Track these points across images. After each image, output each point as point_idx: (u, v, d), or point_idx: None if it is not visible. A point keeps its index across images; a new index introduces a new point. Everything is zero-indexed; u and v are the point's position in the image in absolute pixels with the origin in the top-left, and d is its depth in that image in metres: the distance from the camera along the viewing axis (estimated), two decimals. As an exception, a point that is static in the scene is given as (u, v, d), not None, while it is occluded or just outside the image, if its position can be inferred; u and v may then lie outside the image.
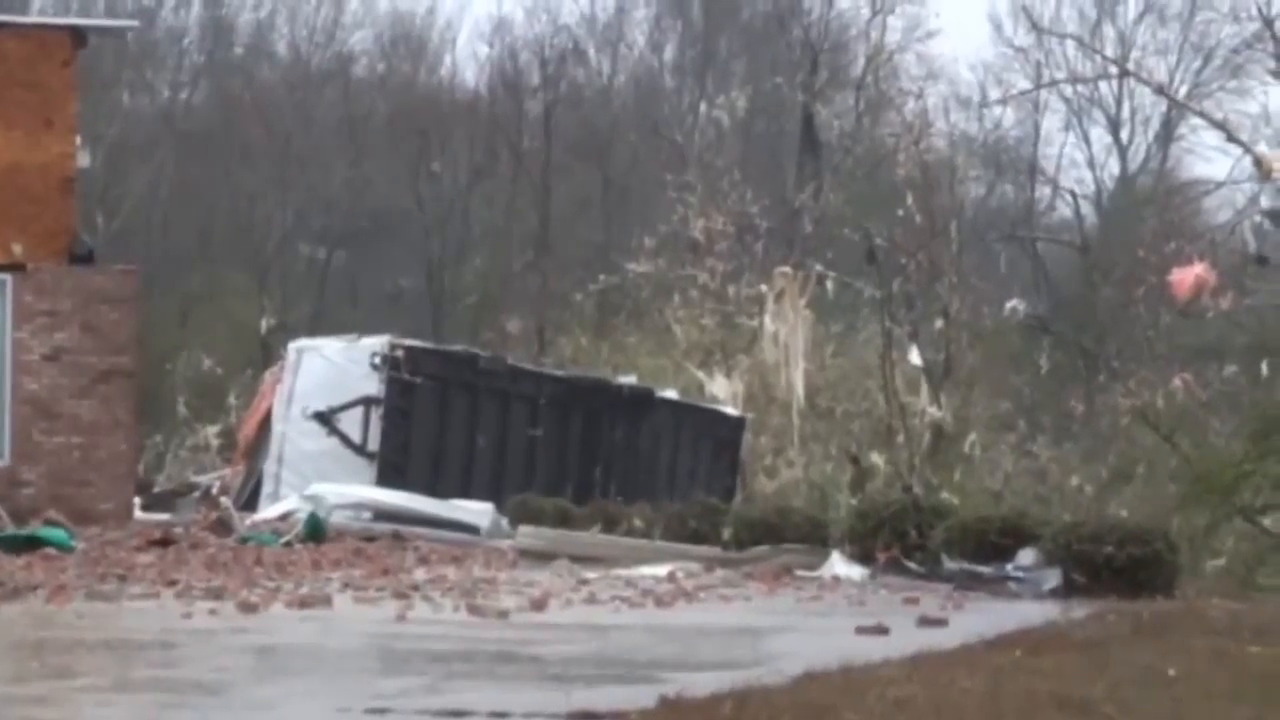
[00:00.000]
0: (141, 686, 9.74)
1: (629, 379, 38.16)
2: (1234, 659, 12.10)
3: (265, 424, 31.43)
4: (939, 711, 8.47)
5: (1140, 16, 64.98)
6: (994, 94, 62.42)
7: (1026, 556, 19.42)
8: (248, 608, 14.43)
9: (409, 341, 31.61)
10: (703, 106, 64.80)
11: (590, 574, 19.09)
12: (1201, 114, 52.67)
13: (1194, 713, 9.28)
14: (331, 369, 30.28)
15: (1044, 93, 60.10)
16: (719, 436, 38.67)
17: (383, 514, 25.30)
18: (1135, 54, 61.53)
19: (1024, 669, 10.79)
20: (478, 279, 64.11)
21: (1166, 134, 64.31)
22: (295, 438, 29.93)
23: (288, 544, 22.19)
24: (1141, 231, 54.60)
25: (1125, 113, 64.45)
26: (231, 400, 44.36)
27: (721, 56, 69.81)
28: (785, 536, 22.55)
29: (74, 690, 9.62)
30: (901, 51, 65.91)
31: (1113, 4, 65.30)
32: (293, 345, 32.10)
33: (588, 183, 66.36)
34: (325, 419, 29.79)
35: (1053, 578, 18.74)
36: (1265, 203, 40.05)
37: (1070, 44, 58.95)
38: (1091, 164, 65.86)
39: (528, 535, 23.32)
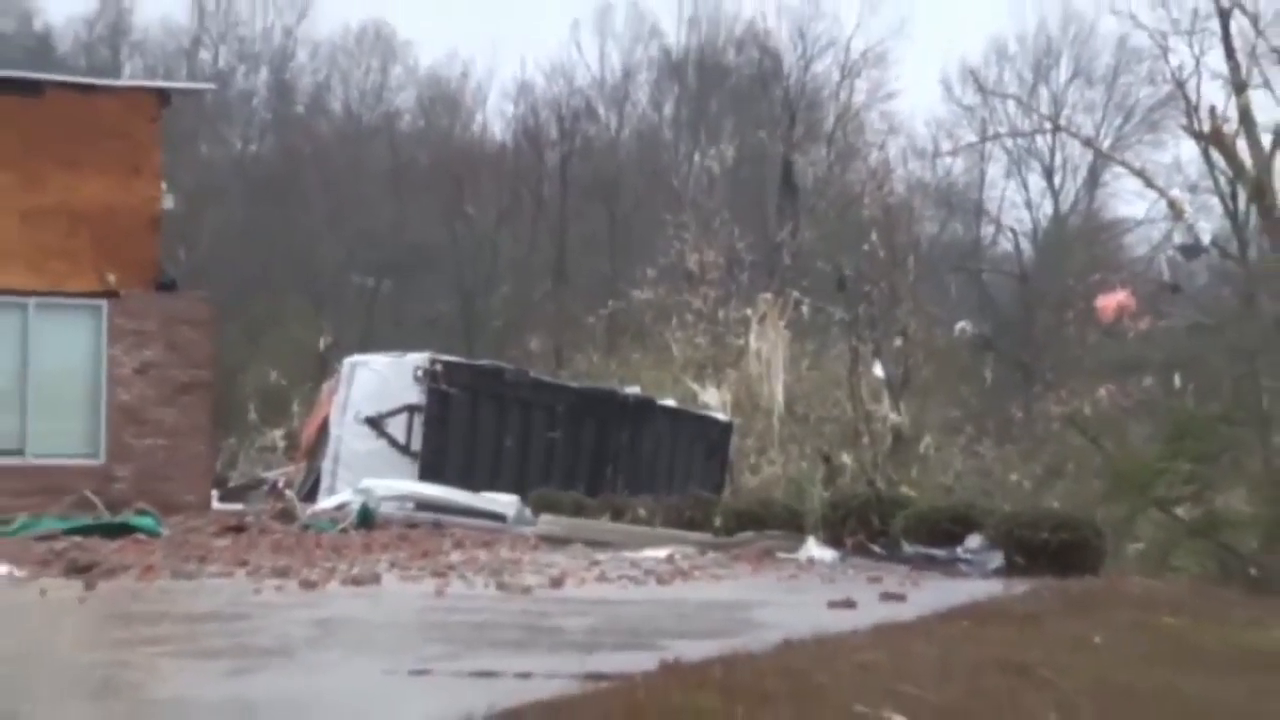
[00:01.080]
0: (218, 652, 9.75)
1: (633, 389, 38.09)
2: (1151, 629, 12.10)
3: (323, 428, 31.39)
4: (898, 674, 8.47)
5: (1070, 79, 65.31)
6: (945, 146, 62.58)
7: (973, 541, 19.38)
8: (309, 585, 14.43)
9: (446, 357, 31.56)
10: (696, 157, 64.98)
11: (601, 556, 19.07)
12: (1123, 163, 52.77)
13: (1116, 674, 9.28)
14: (380, 381, 30.24)
15: (988, 144, 60.21)
16: (710, 439, 38.60)
17: (423, 504, 25.23)
18: (1066, 112, 61.88)
19: (971, 637, 10.79)
20: (504, 304, 64.10)
21: (1093, 180, 64.48)
22: (349, 439, 29.89)
23: (343, 530, 22.15)
24: (1071, 263, 54.74)
25: (1058, 162, 64.67)
26: (294, 408, 44.32)
27: (712, 114, 69.87)
28: (767, 524, 22.53)
29: (160, 655, 9.63)
30: (866, 110, 66.43)
31: (1047, 69, 65.61)
32: (347, 361, 32.03)
33: (598, 222, 66.40)
34: (375, 423, 29.75)
35: (996, 559, 18.71)
36: (1177, 239, 40.13)
37: (1011, 103, 59.32)
38: (1029, 205, 66.07)
39: (547, 523, 23.29)
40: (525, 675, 8.30)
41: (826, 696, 7.69)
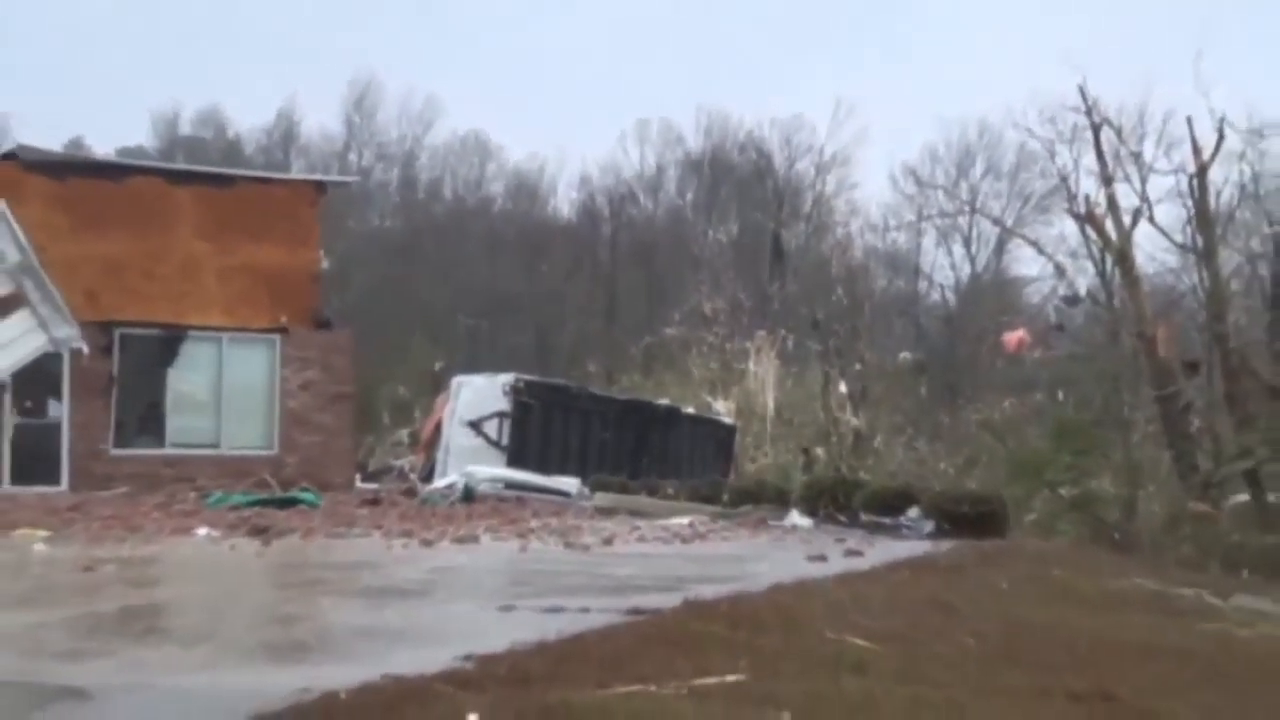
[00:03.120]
0: (361, 592, 9.79)
1: (664, 401, 38.12)
2: (1043, 578, 12.06)
3: (438, 429, 31.44)
4: (858, 608, 8.46)
5: (984, 175, 65.05)
6: (892, 223, 62.42)
7: (913, 512, 19.37)
8: (426, 543, 14.45)
9: (527, 377, 31.60)
10: (710, 231, 64.94)
11: (640, 523, 19.06)
12: (1022, 236, 52.54)
13: (1017, 611, 9.26)
14: (479, 395, 30.28)
15: (923, 222, 60.01)
16: (719, 437, 38.58)
17: (510, 485, 25.26)
18: (980, 198, 61.58)
19: (911, 583, 10.77)
20: (569, 338, 64.07)
21: (1000, 249, 64.05)
22: (456, 437, 29.92)
23: (451, 504, 22.20)
24: (984, 309, 54.60)
25: (974, 235, 64.26)
26: (416, 414, 44.31)
27: (722, 199, 69.90)
28: (762, 500, 22.56)
29: (318, 594, 9.66)
30: (835, 197, 66.25)
31: (966, 166, 65.39)
32: (455, 380, 32.09)
33: (638, 278, 66.44)
34: (475, 426, 29.78)
35: (929, 525, 18.70)
36: (1061, 292, 40.04)
37: (939, 192, 59.17)
38: (953, 267, 65.62)
39: (600, 498, 23.32)
40: (585, 610, 8.30)
41: (804, 625, 7.68)
